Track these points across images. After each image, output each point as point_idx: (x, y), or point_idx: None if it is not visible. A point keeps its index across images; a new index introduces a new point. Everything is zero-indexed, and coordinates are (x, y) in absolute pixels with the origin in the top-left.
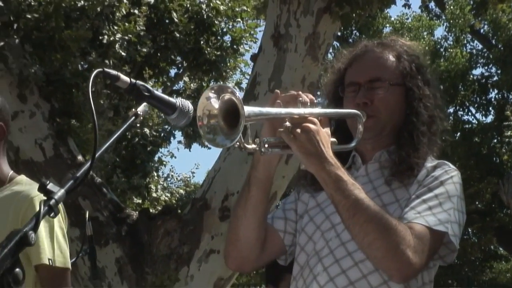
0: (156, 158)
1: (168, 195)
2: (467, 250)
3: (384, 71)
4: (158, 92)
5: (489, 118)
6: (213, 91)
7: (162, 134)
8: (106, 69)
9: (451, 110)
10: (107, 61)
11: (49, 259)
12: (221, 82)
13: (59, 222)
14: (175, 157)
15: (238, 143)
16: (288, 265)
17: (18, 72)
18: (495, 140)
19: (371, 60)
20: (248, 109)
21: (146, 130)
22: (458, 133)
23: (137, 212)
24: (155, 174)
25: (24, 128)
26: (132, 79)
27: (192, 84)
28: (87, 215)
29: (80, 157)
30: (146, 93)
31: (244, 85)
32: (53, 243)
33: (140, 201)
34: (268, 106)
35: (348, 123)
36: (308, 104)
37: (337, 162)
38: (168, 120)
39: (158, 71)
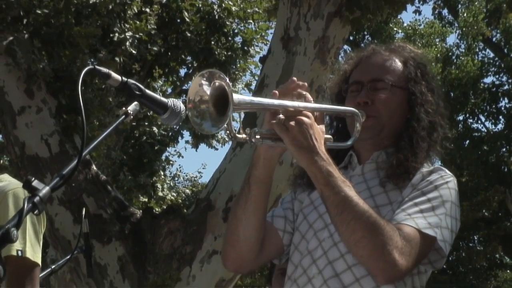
0: (163, 157)
1: (175, 194)
2: (472, 258)
3: (388, 73)
4: (150, 92)
5: (499, 127)
6: (204, 78)
7: (170, 134)
8: (97, 67)
9: (461, 117)
10: (117, 59)
11: (17, 250)
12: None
13: (31, 217)
14: (183, 157)
15: (228, 132)
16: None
17: (26, 67)
18: (504, 149)
19: (377, 62)
20: (238, 97)
21: (155, 129)
22: (467, 141)
23: (140, 211)
24: (162, 173)
25: (30, 124)
26: (123, 78)
27: None
28: (83, 212)
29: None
30: (138, 92)
31: (253, 87)
32: (24, 236)
33: (146, 199)
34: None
35: (348, 122)
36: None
37: (329, 158)
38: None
39: (168, 70)
